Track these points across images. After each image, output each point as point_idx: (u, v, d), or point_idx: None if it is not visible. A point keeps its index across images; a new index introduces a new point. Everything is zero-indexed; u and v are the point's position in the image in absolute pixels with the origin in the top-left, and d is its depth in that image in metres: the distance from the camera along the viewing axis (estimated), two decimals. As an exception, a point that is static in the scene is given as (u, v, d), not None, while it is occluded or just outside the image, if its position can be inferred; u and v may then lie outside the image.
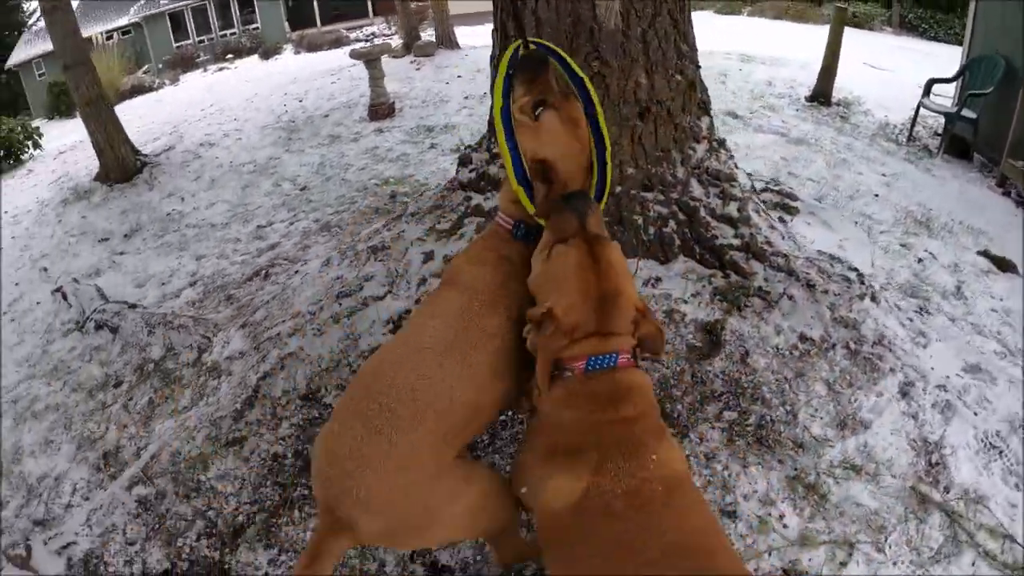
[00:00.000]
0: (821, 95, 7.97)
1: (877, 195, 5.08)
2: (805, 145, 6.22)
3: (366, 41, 17.54)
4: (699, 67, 3.33)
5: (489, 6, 3.43)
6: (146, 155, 8.48)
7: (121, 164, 8.03)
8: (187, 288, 4.83)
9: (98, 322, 4.13)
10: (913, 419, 2.54)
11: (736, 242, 3.13)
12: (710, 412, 2.52)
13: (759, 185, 4.13)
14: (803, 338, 2.78)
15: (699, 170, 3.28)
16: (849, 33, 8.32)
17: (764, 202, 3.72)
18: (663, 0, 3.00)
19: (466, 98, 8.73)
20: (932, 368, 2.81)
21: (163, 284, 5.06)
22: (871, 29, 16.99)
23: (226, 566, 2.35)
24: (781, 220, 3.72)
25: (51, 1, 7.40)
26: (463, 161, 3.85)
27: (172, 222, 6.38)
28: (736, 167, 3.45)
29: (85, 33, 23.13)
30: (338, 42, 18.71)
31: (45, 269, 5.98)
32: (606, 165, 1.70)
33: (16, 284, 5.76)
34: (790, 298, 2.91)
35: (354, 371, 2.89)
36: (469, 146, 4.03)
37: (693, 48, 3.25)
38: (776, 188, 4.33)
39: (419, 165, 6.47)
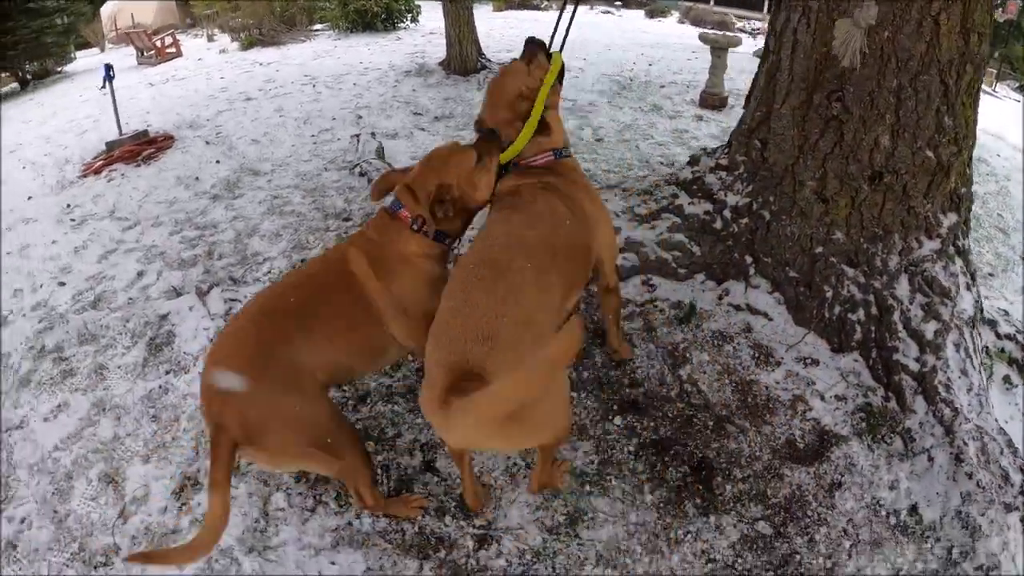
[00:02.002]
0: None
1: None
2: None
3: (743, 32, 16.84)
4: (964, 153, 2.70)
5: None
6: (489, 59, 8.78)
7: (463, 59, 8.56)
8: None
9: (362, 170, 5.09)
10: None
11: (914, 367, 2.63)
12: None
13: (1007, 328, 3.18)
14: (912, 510, 2.32)
15: (915, 268, 2.76)
16: None
17: (990, 348, 3.02)
18: (934, 58, 2.44)
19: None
20: None
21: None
22: None
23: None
24: (991, 378, 2.95)
25: None
26: (692, 160, 3.82)
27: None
28: (967, 287, 2.81)
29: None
30: (723, 24, 17.96)
31: (360, 117, 6.88)
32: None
33: (333, 119, 6.85)
34: (929, 459, 2.42)
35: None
36: (704, 149, 4.02)
37: (964, 128, 2.63)
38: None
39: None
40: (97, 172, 6.38)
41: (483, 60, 8.78)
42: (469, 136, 5.86)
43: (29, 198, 6.30)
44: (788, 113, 2.93)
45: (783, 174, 3.02)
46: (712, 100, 7.49)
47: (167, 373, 3.32)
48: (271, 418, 1.88)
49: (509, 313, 1.72)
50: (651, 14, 19.52)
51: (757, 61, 3.38)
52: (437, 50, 9.69)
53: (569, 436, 2.17)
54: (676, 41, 12.46)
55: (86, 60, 18.07)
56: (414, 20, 13.91)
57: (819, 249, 2.88)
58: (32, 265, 4.83)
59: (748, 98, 3.41)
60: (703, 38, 7.75)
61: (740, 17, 20.91)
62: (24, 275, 4.68)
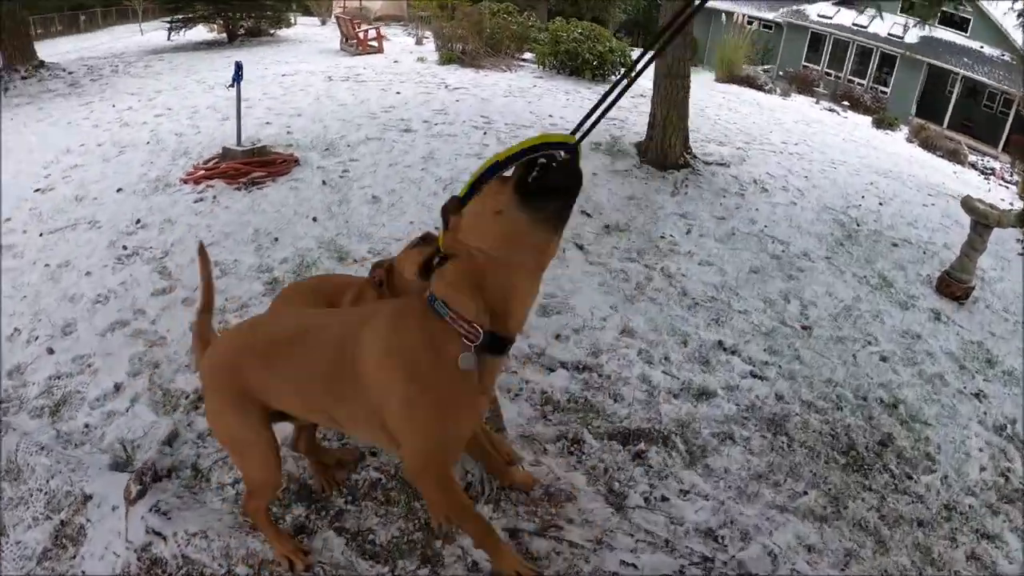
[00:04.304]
0: None
1: None
2: None
3: (982, 174, 14.25)
4: None
5: None
6: (695, 155, 7.02)
7: (663, 150, 6.84)
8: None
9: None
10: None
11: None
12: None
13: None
14: None
15: None
16: None
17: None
18: None
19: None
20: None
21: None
22: None
23: None
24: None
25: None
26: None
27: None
28: None
29: (731, 7, 23.70)
30: (954, 155, 15.44)
31: None
32: None
33: None
34: None
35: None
36: None
37: None
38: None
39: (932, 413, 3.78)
40: (196, 183, 5.36)
41: (688, 156, 7.00)
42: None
43: (119, 190, 5.40)
44: None
45: None
46: (954, 288, 5.32)
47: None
48: (209, 410, 2.12)
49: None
50: (879, 124, 17.21)
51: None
52: (639, 121, 8.00)
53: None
54: (908, 171, 10.16)
55: (302, 29, 18.27)
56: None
57: None
58: (44, 304, 3.80)
59: None
60: (968, 206, 5.50)
61: (974, 149, 18.29)
62: (27, 317, 3.66)
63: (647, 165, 6.78)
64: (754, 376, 3.61)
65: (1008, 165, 17.58)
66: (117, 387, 3.11)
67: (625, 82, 1.59)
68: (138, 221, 4.76)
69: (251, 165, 5.47)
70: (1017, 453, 3.50)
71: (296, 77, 10.49)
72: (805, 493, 2.88)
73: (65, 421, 2.95)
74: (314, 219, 4.80)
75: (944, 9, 18.27)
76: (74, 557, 2.32)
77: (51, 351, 3.42)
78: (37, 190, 5.63)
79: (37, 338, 3.56)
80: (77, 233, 4.70)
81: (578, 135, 1.51)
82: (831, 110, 17.30)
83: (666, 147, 6.81)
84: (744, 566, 2.41)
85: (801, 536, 2.64)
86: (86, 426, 2.91)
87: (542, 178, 1.49)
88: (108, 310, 3.72)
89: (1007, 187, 13.16)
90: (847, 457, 3.17)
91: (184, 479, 2.59)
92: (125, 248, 4.37)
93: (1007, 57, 21.81)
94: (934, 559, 2.71)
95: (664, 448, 2.90)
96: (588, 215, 5.40)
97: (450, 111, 8.33)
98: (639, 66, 1.59)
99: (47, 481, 2.59)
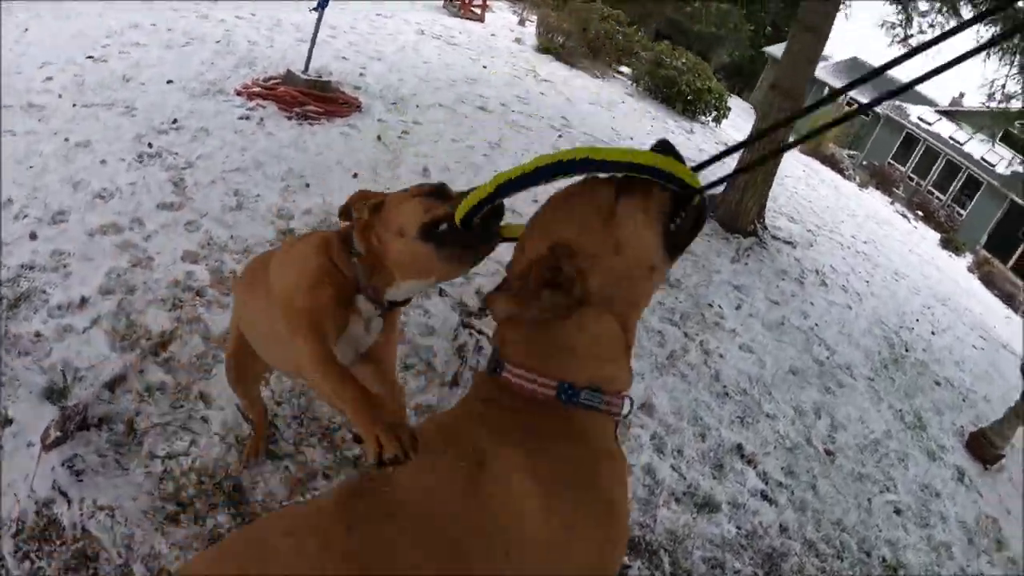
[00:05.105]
0: None
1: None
2: None
3: None
4: None
5: None
6: (766, 226, 6.56)
7: (736, 214, 6.43)
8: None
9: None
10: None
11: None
12: None
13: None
14: None
15: None
16: None
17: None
18: None
19: None
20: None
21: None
22: None
23: None
24: None
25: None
26: None
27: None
28: None
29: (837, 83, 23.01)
30: (1011, 299, 14.89)
31: None
32: None
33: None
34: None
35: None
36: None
37: None
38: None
39: None
40: (249, 98, 5.02)
41: (759, 224, 6.55)
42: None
43: (169, 82, 5.08)
44: None
45: None
46: (985, 450, 4.94)
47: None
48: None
49: None
50: (946, 244, 16.81)
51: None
52: (717, 172, 7.52)
53: None
54: (965, 303, 9.75)
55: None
56: (717, 121, 11.83)
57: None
58: (46, 180, 3.49)
59: None
60: None
61: None
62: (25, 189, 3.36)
63: (715, 223, 6.35)
64: (764, 498, 3.25)
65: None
66: (83, 300, 2.77)
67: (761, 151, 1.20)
68: (175, 121, 4.42)
69: (310, 97, 5.11)
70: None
71: (389, 21, 10.13)
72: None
73: (18, 321, 2.62)
74: (355, 175, 4.43)
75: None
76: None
77: (34, 236, 3.10)
78: (89, 57, 5.31)
79: (26, 216, 3.23)
80: (110, 115, 4.37)
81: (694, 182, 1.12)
82: (903, 215, 16.77)
83: (740, 209, 6.38)
84: None
85: None
86: (37, 335, 2.59)
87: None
88: (107, 209, 3.38)
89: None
90: (834, 619, 2.90)
91: (114, 435, 2.26)
92: (151, 146, 4.03)
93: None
94: None
95: (649, 566, 2.52)
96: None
97: (532, 102, 7.94)
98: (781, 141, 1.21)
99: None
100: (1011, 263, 21.67)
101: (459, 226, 1.29)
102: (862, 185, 16.89)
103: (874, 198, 15.40)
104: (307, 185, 4.11)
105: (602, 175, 1.09)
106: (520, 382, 1.05)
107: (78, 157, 3.80)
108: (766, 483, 3.35)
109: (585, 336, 1.04)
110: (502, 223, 1.35)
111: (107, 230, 3.22)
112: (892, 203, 17.18)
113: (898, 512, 3.77)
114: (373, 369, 1.63)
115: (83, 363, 2.49)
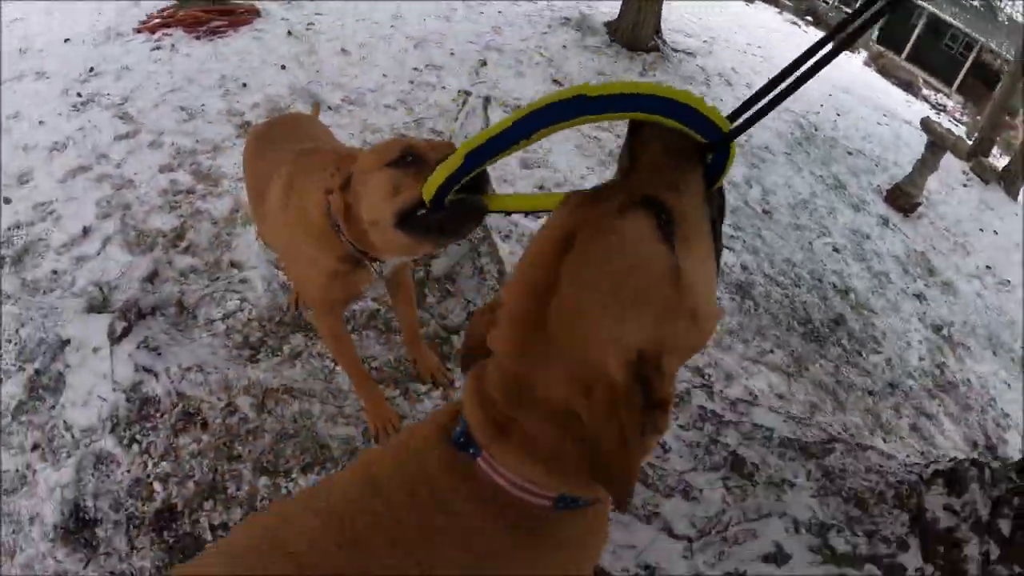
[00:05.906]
0: None
1: None
2: None
3: (934, 108, 14.66)
4: None
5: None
6: (665, 41, 6.91)
7: (634, 30, 6.69)
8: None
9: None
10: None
11: None
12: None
13: None
14: None
15: None
16: None
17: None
18: None
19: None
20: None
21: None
22: None
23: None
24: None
25: None
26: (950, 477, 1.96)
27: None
28: None
29: None
30: (909, 85, 15.72)
31: (484, 64, 5.43)
32: None
33: (451, 53, 5.44)
34: None
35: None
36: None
37: None
38: None
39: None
40: (152, 32, 4.91)
41: (659, 39, 6.74)
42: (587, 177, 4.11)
43: (66, 40, 4.93)
44: None
45: None
46: (903, 200, 5.75)
47: (33, 449, 2.06)
48: None
49: None
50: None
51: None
52: (614, 3, 7.55)
53: None
54: (864, 92, 10.23)
55: None
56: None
57: None
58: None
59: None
60: (927, 126, 5.88)
61: (928, 84, 18.81)
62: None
63: (617, 45, 6.60)
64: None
65: (960, 104, 18.13)
66: (85, 230, 2.92)
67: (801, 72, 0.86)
68: (91, 69, 4.39)
69: (211, 13, 5.01)
70: (951, 352, 3.91)
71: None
72: (772, 351, 3.15)
73: (29, 269, 2.75)
74: (283, 67, 4.54)
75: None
76: (53, 407, 2.14)
77: (8, 200, 3.16)
78: (-31, 43, 5.10)
79: (-10, 191, 3.27)
80: (24, 84, 4.31)
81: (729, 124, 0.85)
82: (794, 23, 16.59)
83: (638, 28, 6.61)
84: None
85: (773, 385, 2.92)
86: (54, 272, 2.73)
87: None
88: (66, 157, 3.45)
89: (957, 125, 13.57)
90: (805, 328, 3.47)
91: (169, 317, 2.47)
92: (79, 96, 4.04)
93: (976, 2, 21.74)
94: (883, 424, 3.05)
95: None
96: (559, 84, 5.20)
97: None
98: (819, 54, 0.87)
99: (16, 331, 2.39)
100: (905, 54, 22.12)
101: (433, 207, 1.16)
102: (748, 0, 16.58)
103: (760, 10, 15.26)
104: (244, 85, 4.19)
105: (609, 197, 0.77)
106: (505, 485, 0.78)
107: (14, 127, 3.80)
108: (721, 236, 3.79)
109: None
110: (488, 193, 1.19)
111: (76, 172, 3.32)
112: (781, 13, 16.99)
113: (836, 251, 4.41)
114: (395, 284, 2.01)
115: (112, 275, 2.66)
